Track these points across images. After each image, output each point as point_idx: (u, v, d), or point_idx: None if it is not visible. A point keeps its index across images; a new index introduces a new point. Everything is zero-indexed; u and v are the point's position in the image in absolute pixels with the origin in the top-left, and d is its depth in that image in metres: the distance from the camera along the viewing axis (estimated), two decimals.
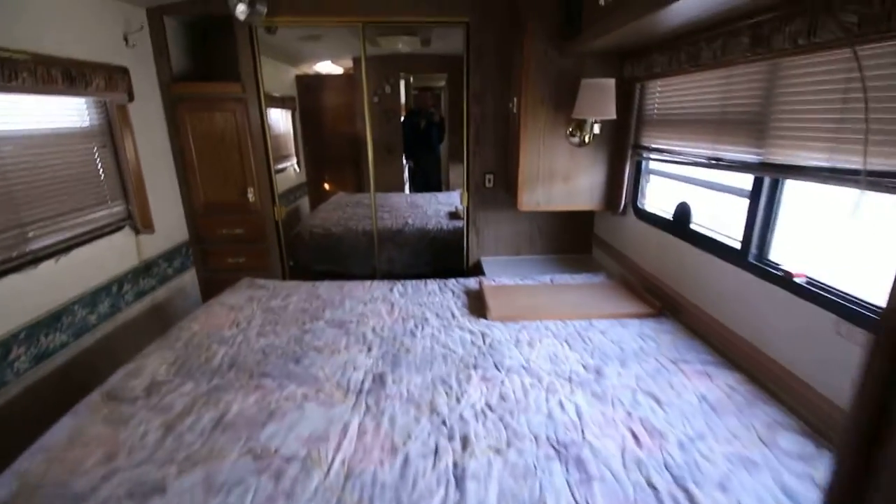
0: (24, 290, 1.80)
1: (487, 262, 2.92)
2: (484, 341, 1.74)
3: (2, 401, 1.70)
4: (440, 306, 2.07)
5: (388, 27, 3.01)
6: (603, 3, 1.61)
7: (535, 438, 1.22)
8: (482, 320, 1.92)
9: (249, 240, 3.02)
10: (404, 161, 4.65)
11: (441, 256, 3.49)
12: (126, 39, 2.40)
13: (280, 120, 3.95)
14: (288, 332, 1.84)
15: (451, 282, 2.38)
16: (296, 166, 4.37)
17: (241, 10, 2.40)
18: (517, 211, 2.83)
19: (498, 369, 1.54)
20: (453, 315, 1.98)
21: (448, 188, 4.85)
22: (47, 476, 1.12)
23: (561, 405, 1.36)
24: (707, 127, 1.70)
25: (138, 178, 2.40)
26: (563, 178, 2.45)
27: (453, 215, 3.82)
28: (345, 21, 2.66)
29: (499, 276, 2.44)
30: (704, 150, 1.72)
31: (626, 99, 2.23)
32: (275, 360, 1.63)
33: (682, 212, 1.96)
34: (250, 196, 2.90)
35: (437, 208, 4.15)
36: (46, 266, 1.90)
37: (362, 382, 1.49)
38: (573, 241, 3.00)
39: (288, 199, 3.89)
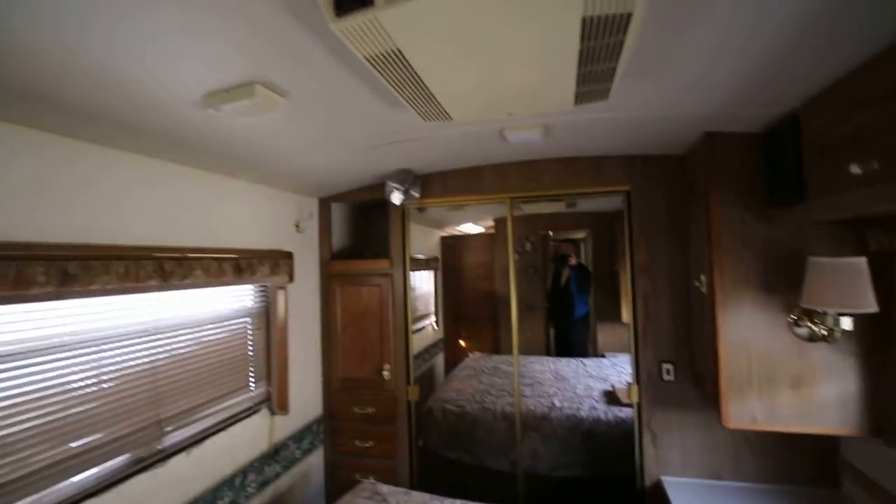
0: (146, 493, 1.67)
1: (674, 487, 2.12)
2: None
3: None
4: None
5: (533, 199, 2.91)
6: (860, 171, 1.14)
7: None
8: None
9: (380, 420, 2.75)
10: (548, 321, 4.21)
11: (601, 458, 2.74)
12: (297, 226, 2.64)
13: (423, 280, 4.01)
14: None
15: None
16: (434, 324, 4.28)
17: (396, 197, 2.51)
18: (711, 417, 2.12)
19: None
20: None
21: (595, 353, 4.20)
22: None
23: None
24: None
25: (283, 358, 2.39)
26: (790, 385, 1.73)
27: (612, 398, 3.12)
28: (494, 198, 2.62)
29: None
30: None
31: (880, 280, 1.56)
32: None
33: None
34: (385, 374, 2.72)
35: (588, 384, 3.49)
36: (176, 461, 1.80)
37: None
38: (806, 467, 2.05)
39: (423, 357, 3.70)
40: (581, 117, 1.72)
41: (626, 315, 3.42)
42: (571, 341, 4.24)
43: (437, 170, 2.61)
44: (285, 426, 2.47)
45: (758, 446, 2.09)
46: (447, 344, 4.43)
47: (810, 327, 1.68)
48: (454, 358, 4.39)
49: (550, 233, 4.42)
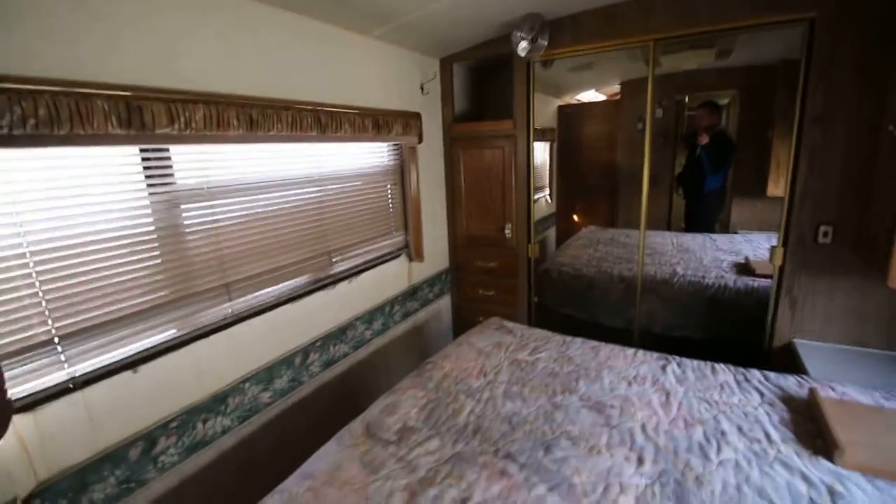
0: (324, 307, 2.11)
1: (807, 349, 2.06)
2: None
3: (299, 396, 2.02)
4: (743, 414, 1.47)
5: (680, 42, 2.49)
6: None
7: None
8: (824, 462, 1.24)
9: (501, 274, 2.99)
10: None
11: (723, 323, 2.72)
12: (422, 88, 2.67)
13: (539, 152, 3.90)
14: (536, 402, 1.60)
15: (756, 376, 1.71)
16: (548, 197, 4.25)
17: (523, 47, 2.36)
18: (868, 282, 1.92)
19: None
20: (768, 437, 1.36)
21: (728, 230, 3.87)
22: None
23: None
24: None
25: (417, 211, 2.63)
26: None
27: (743, 269, 2.96)
28: (634, 42, 2.33)
29: (839, 384, 1.63)
30: None
31: None
32: (522, 439, 1.40)
33: None
34: (507, 232, 2.87)
35: (717, 256, 3.31)
36: (341, 286, 2.20)
37: None
38: None
39: (537, 229, 3.79)
40: None
41: (772, 188, 3.03)
42: (699, 216, 3.92)
43: (569, 12, 2.36)
44: (420, 272, 2.82)
45: None
46: (559, 218, 4.41)
47: None
48: (566, 232, 4.38)
49: (686, 98, 3.86)
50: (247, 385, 1.76)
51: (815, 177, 1.99)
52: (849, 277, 2.00)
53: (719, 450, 1.31)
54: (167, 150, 1.47)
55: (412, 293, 2.74)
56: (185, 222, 1.53)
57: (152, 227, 1.43)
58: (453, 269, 3.14)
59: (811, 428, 1.38)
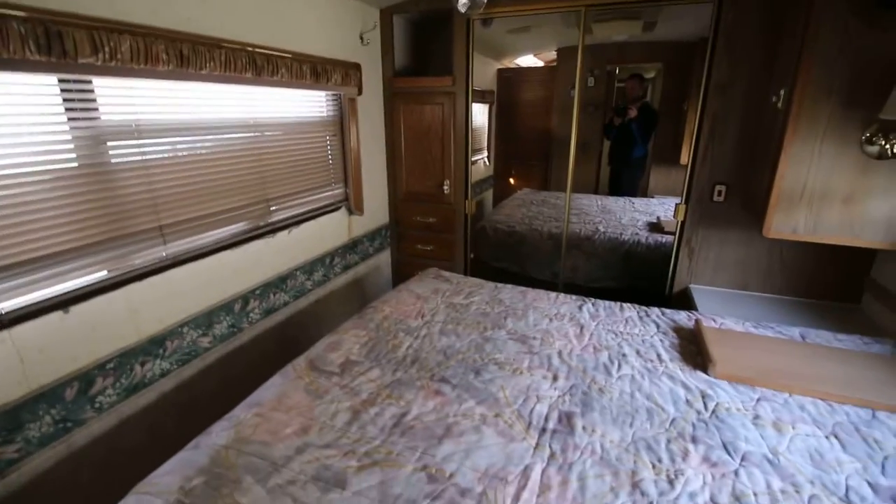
0: (264, 255, 2.12)
1: (700, 293, 2.40)
2: (705, 405, 1.35)
3: (239, 342, 2.04)
4: (641, 341, 1.73)
5: (608, 11, 2.65)
6: None
7: None
8: (700, 374, 1.52)
9: (439, 230, 3.10)
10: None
11: (635, 274, 3.05)
12: (361, 38, 2.63)
13: (478, 114, 3.98)
14: (469, 336, 1.76)
15: (655, 312, 1.99)
16: (486, 160, 4.37)
17: (462, 3, 2.39)
18: (752, 234, 2.26)
19: (729, 453, 1.16)
20: (659, 357, 1.62)
21: (646, 195, 4.25)
22: (255, 433, 1.24)
23: None
24: None
25: (357, 165, 2.65)
26: (842, 201, 1.79)
27: (654, 227, 3.31)
28: (567, 6, 2.44)
29: (720, 317, 1.94)
30: None
31: None
32: (455, 366, 1.55)
33: None
34: (446, 188, 2.97)
35: (634, 217, 3.66)
36: (281, 236, 2.21)
37: (546, 419, 1.30)
38: (832, 283, 2.24)
39: (474, 191, 3.92)
40: None
41: (685, 156, 3.36)
42: (623, 181, 4.24)
43: None
44: (360, 225, 2.87)
45: (790, 261, 2.27)
46: (497, 180, 4.57)
47: (882, 145, 1.66)
48: (503, 194, 4.56)
49: (616, 69, 4.08)
50: (185, 329, 1.76)
51: (714, 141, 2.27)
52: (737, 231, 2.33)
53: (619, 367, 1.55)
54: (90, 82, 1.38)
55: (352, 246, 2.79)
56: (113, 160, 1.47)
57: (75, 164, 1.37)
58: (393, 223, 3.21)
59: (693, 349, 1.67)
